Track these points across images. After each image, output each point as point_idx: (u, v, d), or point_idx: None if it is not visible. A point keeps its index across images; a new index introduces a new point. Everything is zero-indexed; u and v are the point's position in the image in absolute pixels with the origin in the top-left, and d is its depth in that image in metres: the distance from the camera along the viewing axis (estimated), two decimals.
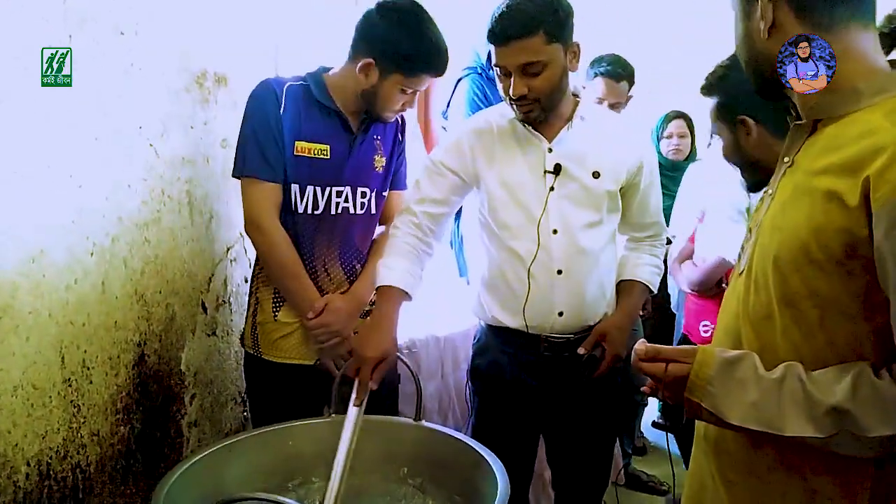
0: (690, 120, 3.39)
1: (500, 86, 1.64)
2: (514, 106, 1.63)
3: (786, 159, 1.05)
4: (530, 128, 1.67)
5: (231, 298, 2.06)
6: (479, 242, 1.84)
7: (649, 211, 1.83)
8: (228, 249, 2.04)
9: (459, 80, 2.80)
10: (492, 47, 1.58)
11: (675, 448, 2.96)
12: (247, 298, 2.11)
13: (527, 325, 1.72)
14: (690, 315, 2.66)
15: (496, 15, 1.55)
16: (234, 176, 1.74)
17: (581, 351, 1.71)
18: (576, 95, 1.72)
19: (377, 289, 1.64)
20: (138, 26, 1.59)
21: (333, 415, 1.63)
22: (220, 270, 2.00)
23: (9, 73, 1.25)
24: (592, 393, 1.79)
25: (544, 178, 1.68)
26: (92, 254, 1.47)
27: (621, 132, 1.77)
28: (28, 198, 1.30)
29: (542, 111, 1.63)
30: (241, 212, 2.02)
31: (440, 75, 1.74)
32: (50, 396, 1.37)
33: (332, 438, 1.62)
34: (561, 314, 1.71)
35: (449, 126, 2.85)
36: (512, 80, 1.58)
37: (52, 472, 1.38)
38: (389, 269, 1.64)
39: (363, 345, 1.51)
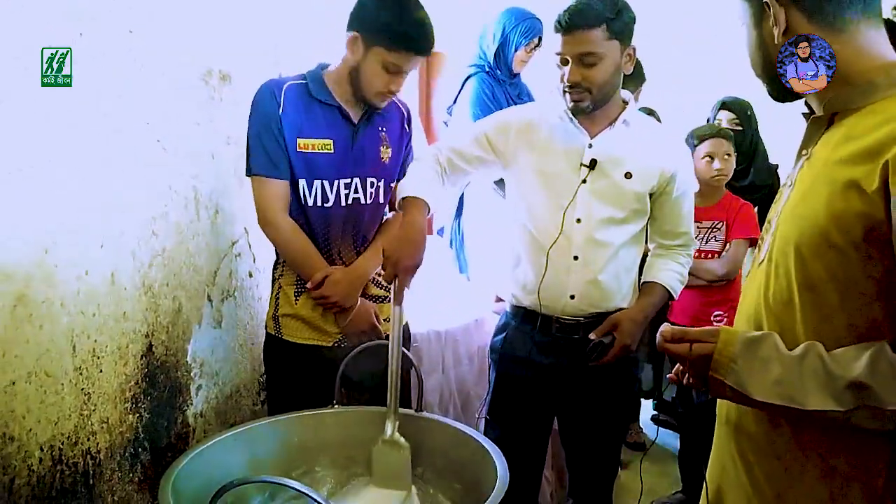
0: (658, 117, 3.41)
1: (557, 75, 1.73)
2: (567, 94, 1.72)
3: (804, 152, 1.09)
4: (576, 122, 1.77)
5: (236, 293, 2.09)
6: (508, 223, 1.91)
7: (680, 220, 1.90)
8: (233, 244, 2.08)
9: (468, 77, 2.83)
10: (557, 36, 1.69)
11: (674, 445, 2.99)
12: (252, 292, 2.17)
13: (540, 305, 1.80)
14: (692, 308, 2.67)
15: (565, 8, 1.67)
16: (246, 175, 1.83)
17: (592, 336, 1.78)
18: (625, 101, 1.81)
19: (403, 200, 1.69)
20: (146, 24, 1.63)
21: (337, 405, 1.67)
22: (226, 264, 2.04)
23: (22, 69, 1.29)
24: (605, 377, 1.84)
25: (579, 171, 1.76)
26: (102, 245, 1.51)
27: (661, 141, 1.86)
28: (41, 190, 1.34)
29: (592, 102, 1.72)
30: (245, 208, 2.08)
31: (423, 54, 1.75)
32: (62, 384, 1.40)
33: (337, 429, 1.66)
34: (573, 297, 1.79)
35: (452, 123, 2.89)
36: (568, 67, 1.69)
37: (63, 458, 1.41)
38: (414, 182, 1.71)
39: (400, 256, 1.56)
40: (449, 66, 4.23)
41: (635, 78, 2.92)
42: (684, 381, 1.30)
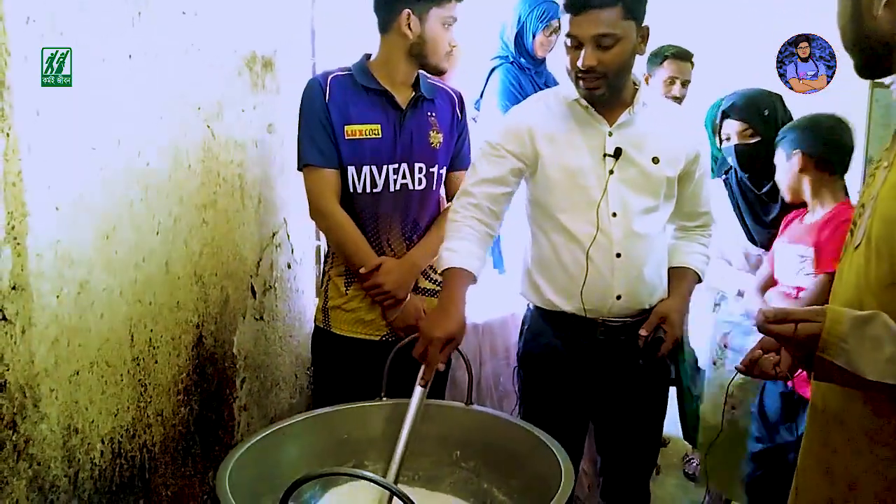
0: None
1: (567, 59, 1.64)
2: (581, 80, 1.63)
3: None
4: (592, 110, 1.67)
5: (276, 284, 2.06)
6: (528, 225, 1.83)
7: (701, 201, 1.84)
8: (274, 234, 2.04)
9: (493, 70, 2.82)
10: (566, 17, 1.60)
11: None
12: (290, 284, 2.15)
13: (584, 309, 1.71)
14: None
15: None
16: (298, 169, 1.84)
17: (643, 333, 1.70)
18: (636, 83, 1.73)
19: (442, 272, 1.64)
20: (197, 7, 1.59)
21: (385, 398, 1.64)
22: (267, 255, 2.00)
23: (86, 50, 1.25)
24: (645, 377, 1.79)
25: (604, 162, 1.68)
26: (157, 233, 1.47)
27: (680, 120, 1.79)
28: (102, 173, 1.30)
29: (608, 88, 1.63)
30: (285, 198, 2.06)
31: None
32: (121, 375, 1.36)
33: (384, 422, 1.63)
34: (619, 297, 1.71)
35: (481, 117, 2.86)
36: (583, 51, 1.58)
37: (122, 451, 1.37)
38: (452, 251, 1.64)
39: (432, 326, 1.51)
40: (463, 59, 4.19)
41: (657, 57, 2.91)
42: (755, 371, 1.27)
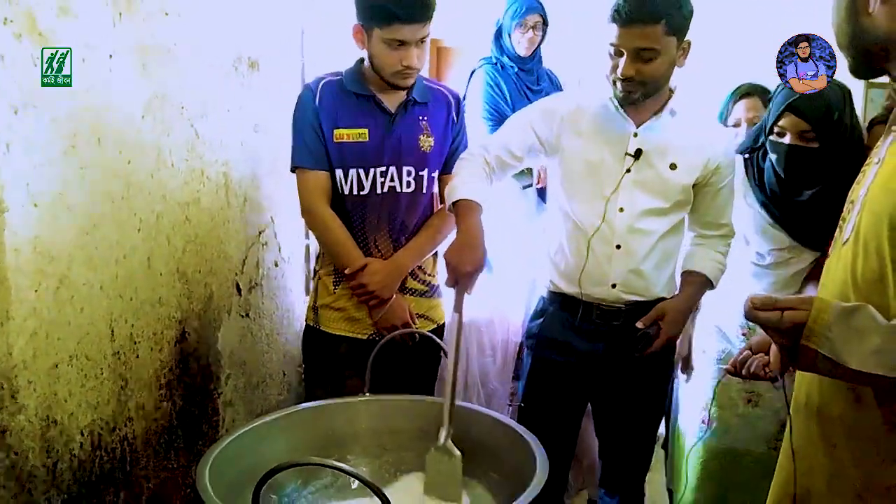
0: (768, 93, 2.22)
1: (608, 65, 1.69)
2: (619, 84, 1.68)
3: (893, 128, 1.07)
4: (622, 110, 1.73)
5: (262, 282, 2.08)
6: (550, 210, 1.90)
7: (722, 212, 1.87)
8: (260, 233, 2.06)
9: (474, 71, 2.85)
10: (612, 27, 1.64)
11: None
12: (277, 282, 2.17)
13: (581, 293, 1.79)
14: None
15: None
16: (290, 171, 1.88)
17: (639, 325, 1.76)
18: (671, 90, 1.77)
19: (455, 204, 1.68)
20: (181, 8, 1.61)
21: (368, 395, 1.66)
22: (253, 253, 2.02)
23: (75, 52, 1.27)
24: (643, 364, 1.83)
25: (623, 160, 1.74)
26: (139, 229, 1.49)
27: (707, 131, 1.84)
28: (83, 171, 1.32)
29: (644, 95, 1.69)
30: (272, 197, 2.08)
31: (414, 22, 1.71)
32: (101, 368, 1.39)
33: (368, 418, 1.65)
34: (614, 286, 1.77)
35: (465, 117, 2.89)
36: (623, 60, 1.64)
37: (102, 443, 1.40)
38: (467, 184, 1.70)
39: (461, 261, 1.56)
40: (462, 62, 4.22)
41: None
42: (743, 372, 1.28)
